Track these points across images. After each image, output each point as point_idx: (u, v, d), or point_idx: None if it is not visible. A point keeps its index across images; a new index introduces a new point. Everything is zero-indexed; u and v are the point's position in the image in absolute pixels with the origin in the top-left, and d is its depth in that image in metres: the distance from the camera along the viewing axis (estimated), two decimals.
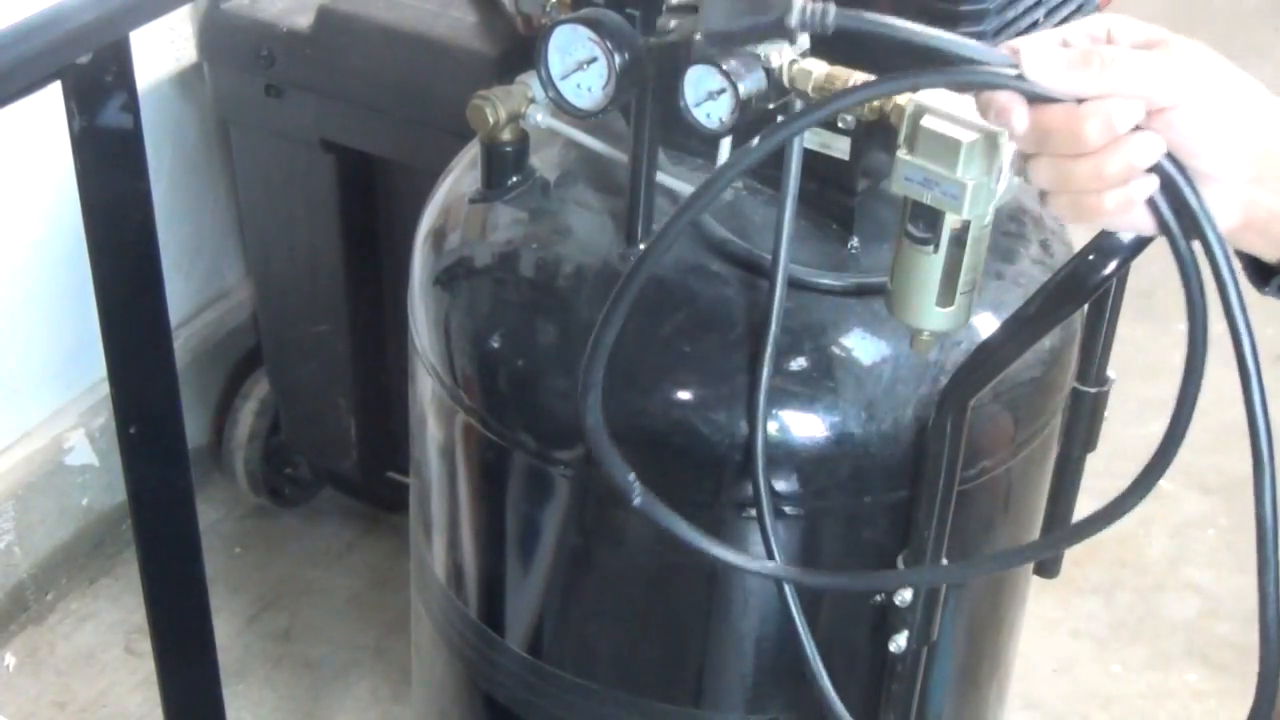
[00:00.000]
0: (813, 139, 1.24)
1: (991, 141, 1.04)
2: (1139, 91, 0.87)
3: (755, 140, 0.96)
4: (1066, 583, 2.51)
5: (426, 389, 1.43)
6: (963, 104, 1.08)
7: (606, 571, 1.39)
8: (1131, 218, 0.91)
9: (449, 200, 1.45)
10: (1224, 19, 4.07)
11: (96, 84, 1.33)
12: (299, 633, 2.42)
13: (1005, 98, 0.90)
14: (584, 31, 1.18)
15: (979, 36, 1.18)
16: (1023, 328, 1.16)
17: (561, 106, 1.23)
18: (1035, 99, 0.89)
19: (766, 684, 1.40)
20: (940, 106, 1.07)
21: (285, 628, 2.43)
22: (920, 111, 1.07)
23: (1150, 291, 3.18)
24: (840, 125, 1.23)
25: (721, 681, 1.42)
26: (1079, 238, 1.24)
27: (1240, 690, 2.34)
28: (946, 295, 1.11)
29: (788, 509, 1.28)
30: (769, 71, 1.15)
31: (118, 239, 1.41)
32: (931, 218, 1.08)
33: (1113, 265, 1.10)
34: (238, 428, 2.49)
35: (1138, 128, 0.88)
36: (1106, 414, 1.51)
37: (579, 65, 1.20)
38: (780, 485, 1.27)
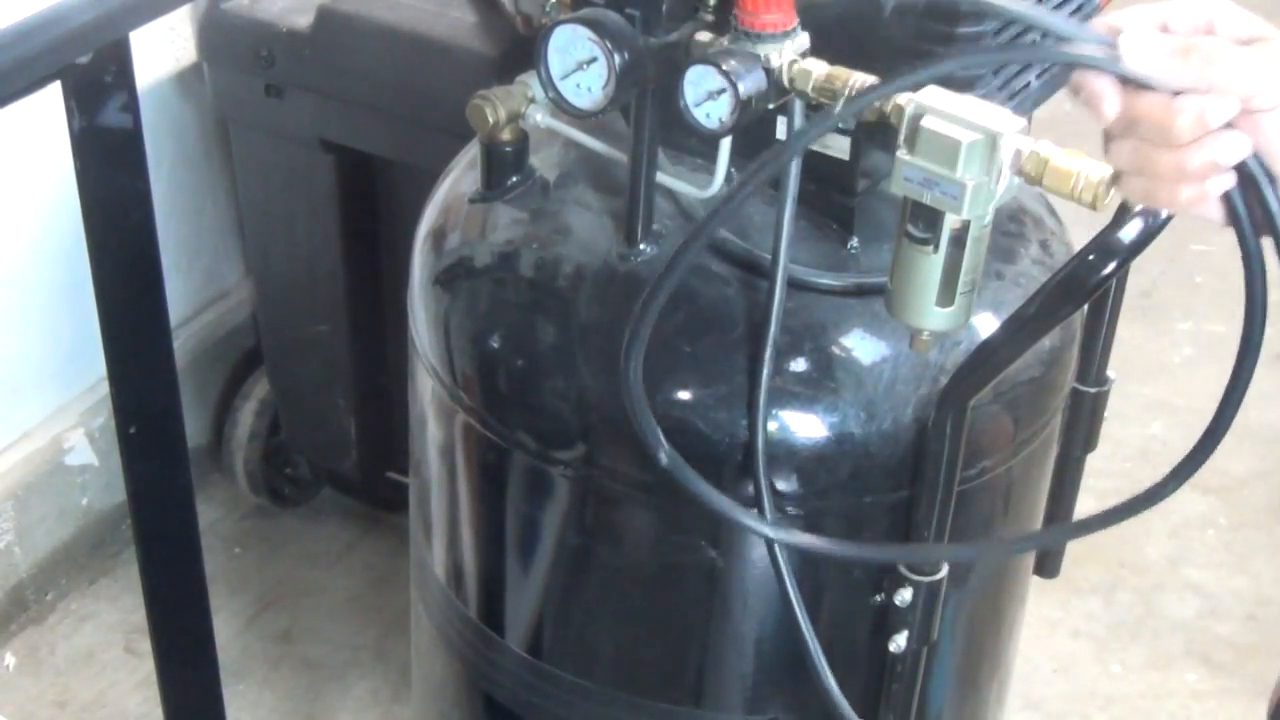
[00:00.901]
0: None
1: (991, 142, 1.04)
2: (1238, 91, 0.86)
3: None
4: (1066, 583, 2.51)
5: (426, 389, 1.43)
6: (963, 104, 1.08)
7: (606, 571, 1.39)
8: (1202, 206, 0.91)
9: (449, 200, 1.45)
10: None
11: (96, 84, 1.33)
12: (299, 633, 2.42)
13: (1099, 82, 0.88)
14: (584, 31, 1.18)
15: (979, 34, 1.18)
16: (1023, 328, 1.16)
17: (561, 106, 1.23)
18: (1129, 83, 0.88)
19: (766, 684, 1.40)
20: (940, 106, 1.07)
21: (285, 628, 2.43)
22: (920, 111, 1.07)
23: (1150, 291, 3.19)
24: (840, 125, 1.23)
25: (721, 681, 1.42)
26: (1079, 238, 1.25)
27: (1240, 690, 2.35)
28: (946, 295, 1.11)
29: (788, 509, 1.28)
30: (769, 71, 1.15)
31: (118, 239, 1.41)
32: (931, 218, 1.08)
33: (1113, 265, 1.10)
34: (238, 428, 2.49)
35: (1228, 124, 0.87)
36: (1106, 414, 1.51)
37: (579, 65, 1.20)
38: (780, 485, 1.27)
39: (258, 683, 2.34)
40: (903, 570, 1.29)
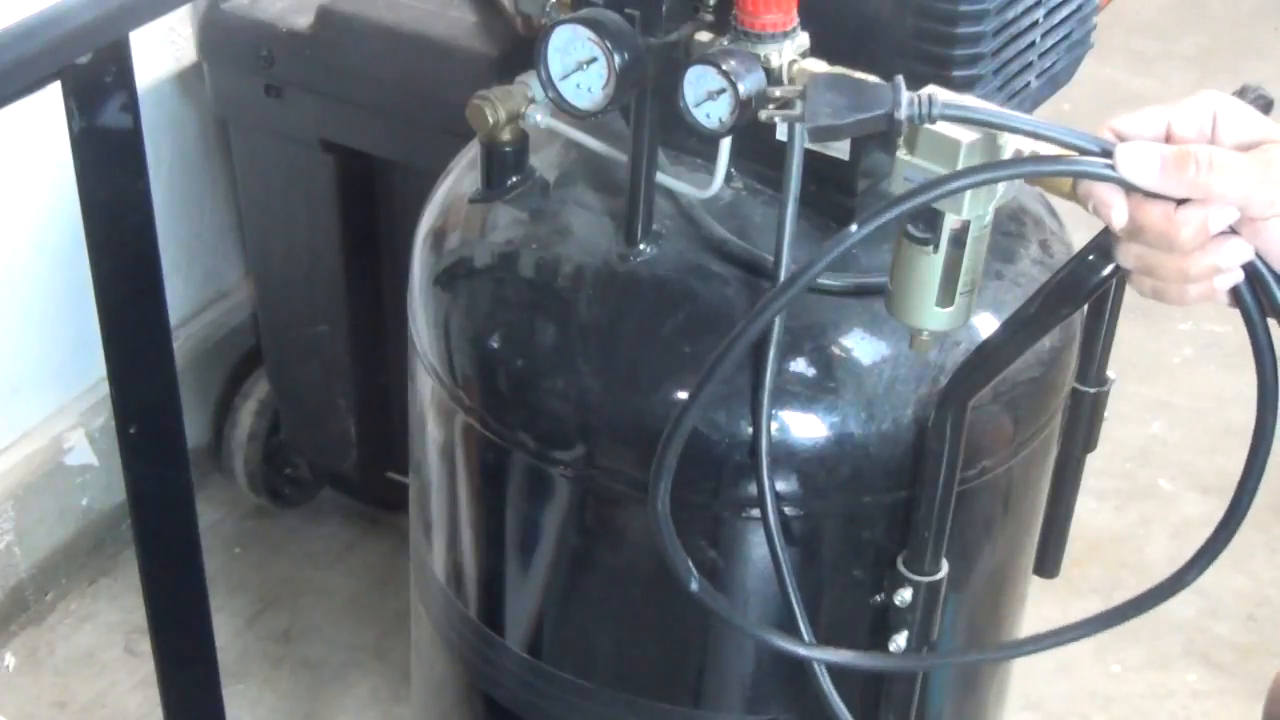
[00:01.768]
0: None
1: (991, 142, 1.04)
2: (1235, 201, 0.89)
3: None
4: (1066, 583, 2.50)
5: (426, 389, 1.43)
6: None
7: (606, 572, 1.39)
8: (1213, 298, 0.96)
9: (449, 200, 1.45)
10: (1224, 19, 4.08)
11: (96, 84, 1.33)
12: (299, 633, 2.42)
13: (1105, 192, 0.92)
14: (584, 31, 1.18)
15: (978, 36, 1.18)
16: (1023, 328, 1.16)
17: (561, 106, 1.23)
18: (1134, 190, 0.91)
19: (766, 684, 1.40)
20: None
21: (285, 628, 2.43)
22: None
23: None
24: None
25: (721, 681, 1.42)
26: (1079, 238, 1.25)
27: (1240, 690, 2.35)
28: (946, 295, 1.11)
29: (788, 509, 1.28)
30: (769, 71, 1.15)
31: (118, 239, 1.41)
32: (931, 218, 1.08)
33: (1113, 265, 1.10)
34: (238, 428, 2.49)
35: (1231, 229, 0.90)
36: (1106, 414, 1.51)
37: (579, 65, 1.20)
38: (780, 485, 1.27)
39: (258, 683, 2.34)
40: (903, 570, 1.29)
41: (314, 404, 2.39)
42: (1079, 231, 1.34)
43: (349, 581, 2.51)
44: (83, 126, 1.34)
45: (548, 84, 1.22)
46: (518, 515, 1.40)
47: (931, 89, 1.03)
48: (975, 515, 1.36)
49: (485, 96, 1.33)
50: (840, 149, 1.25)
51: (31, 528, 2.38)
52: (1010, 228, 1.39)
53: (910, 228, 1.09)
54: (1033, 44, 1.26)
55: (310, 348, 2.33)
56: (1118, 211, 0.92)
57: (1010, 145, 1.05)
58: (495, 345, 1.34)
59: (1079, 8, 1.31)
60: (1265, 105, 1.21)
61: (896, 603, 1.30)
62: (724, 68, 1.13)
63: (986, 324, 1.27)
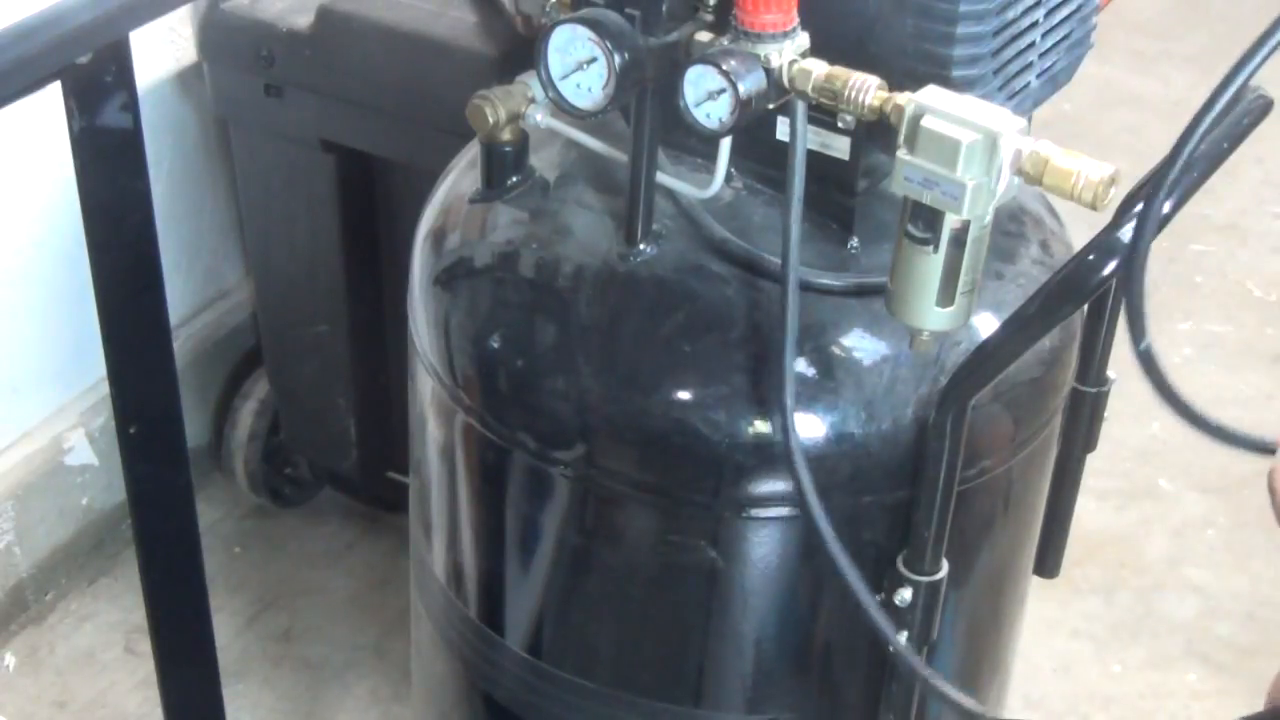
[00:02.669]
0: (813, 139, 1.24)
1: (991, 142, 1.04)
2: None
3: None
4: (1066, 583, 2.51)
5: (426, 389, 1.43)
6: (963, 104, 1.08)
7: (606, 571, 1.39)
8: None
9: (449, 200, 1.45)
10: (1224, 19, 4.08)
11: (96, 84, 1.33)
12: (299, 633, 2.42)
13: None
14: (584, 31, 1.18)
15: (978, 36, 1.18)
16: (1023, 328, 1.16)
17: (561, 106, 1.23)
18: None
19: (766, 684, 1.40)
20: (941, 106, 1.07)
21: (285, 628, 2.43)
22: (921, 111, 1.07)
23: (1150, 291, 3.19)
24: (840, 125, 1.23)
25: (721, 681, 1.42)
26: (1079, 238, 1.25)
27: (1240, 690, 2.35)
28: (946, 295, 1.11)
29: (788, 509, 1.28)
30: (769, 71, 1.15)
31: (118, 239, 1.41)
32: (931, 218, 1.08)
33: (1113, 265, 1.10)
34: (238, 428, 2.49)
35: None
36: (1106, 414, 1.51)
37: (579, 65, 1.20)
38: (780, 485, 1.27)
39: (258, 683, 2.34)
40: (903, 570, 1.29)
41: (314, 404, 2.39)
42: (1079, 231, 1.34)
43: (349, 581, 2.51)
44: (83, 126, 1.34)
45: (548, 84, 1.22)
46: (518, 515, 1.40)
47: (931, 89, 1.04)
48: (975, 515, 1.36)
49: (485, 96, 1.33)
50: (840, 149, 1.26)
51: (31, 527, 2.38)
52: (1010, 228, 1.39)
53: (911, 227, 1.09)
54: (1033, 44, 1.26)
55: (310, 348, 2.33)
56: None
57: (1010, 145, 1.05)
58: (495, 345, 1.34)
59: (1079, 8, 1.30)
60: (1265, 105, 1.21)
61: (896, 603, 1.30)
62: (724, 68, 1.13)
63: (986, 324, 1.27)
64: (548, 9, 1.27)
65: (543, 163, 1.40)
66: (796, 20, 1.16)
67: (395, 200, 2.17)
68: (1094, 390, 1.48)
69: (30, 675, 2.34)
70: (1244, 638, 2.47)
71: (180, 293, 2.46)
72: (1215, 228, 3.38)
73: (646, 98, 1.23)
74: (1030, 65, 1.26)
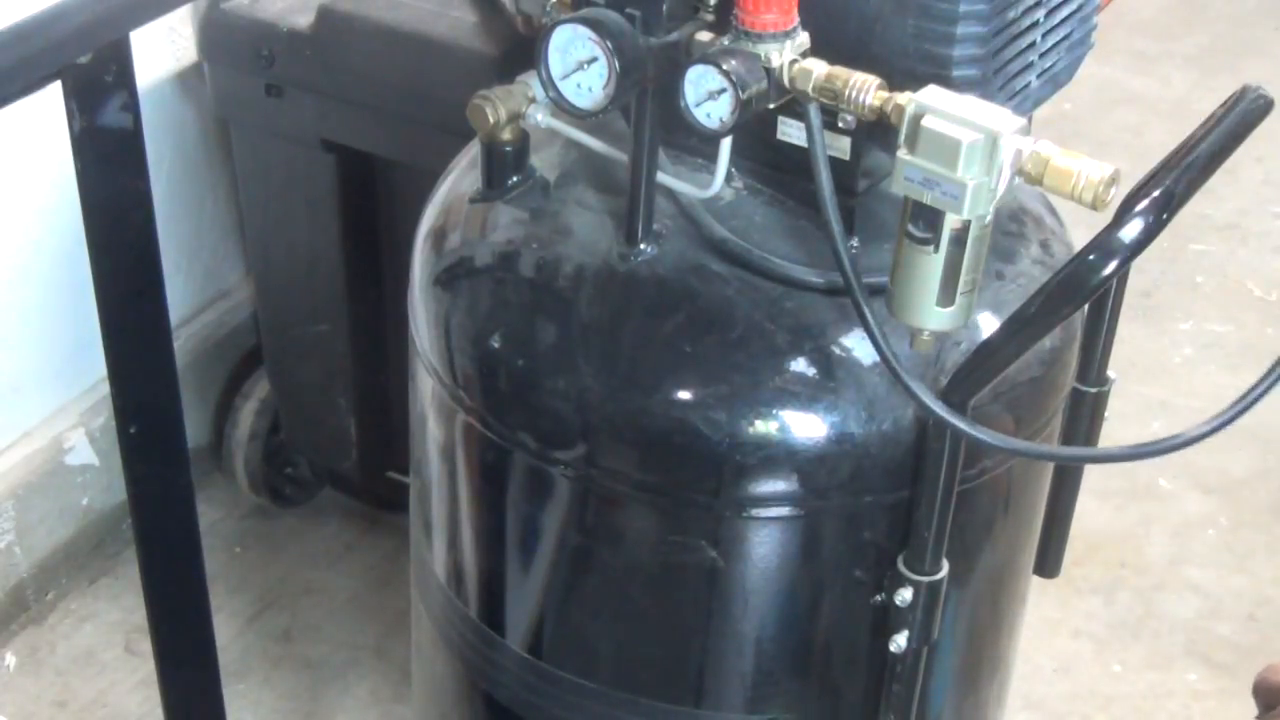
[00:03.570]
0: None
1: (992, 142, 1.04)
2: None
3: None
4: (1066, 583, 2.51)
5: (426, 389, 1.43)
6: (963, 104, 1.08)
7: (606, 571, 1.39)
8: None
9: (449, 200, 1.45)
10: (1224, 19, 4.08)
11: (96, 84, 1.33)
12: (299, 633, 2.42)
13: None
14: (584, 31, 1.18)
15: (978, 36, 1.18)
16: (1023, 328, 1.16)
17: (561, 106, 1.23)
18: None
19: (767, 684, 1.40)
20: (941, 106, 1.07)
21: (285, 628, 2.43)
22: (921, 111, 1.07)
23: (1150, 291, 3.19)
24: (840, 125, 1.23)
25: (722, 681, 1.41)
26: (1079, 238, 1.25)
27: (1240, 690, 2.34)
28: (947, 295, 1.11)
29: (788, 509, 1.28)
30: (769, 71, 1.15)
31: (118, 239, 1.41)
32: (932, 218, 1.08)
33: (1113, 265, 1.10)
34: (238, 428, 2.50)
35: None
36: (1106, 414, 1.51)
37: (579, 65, 1.20)
38: (780, 485, 1.27)
39: (258, 682, 2.34)
40: (903, 570, 1.29)
41: (314, 404, 2.39)
42: (1079, 231, 1.34)
43: (349, 581, 2.51)
44: (83, 126, 1.34)
45: (548, 84, 1.22)
46: (518, 515, 1.40)
47: (932, 89, 1.04)
48: (975, 515, 1.36)
49: (485, 96, 1.33)
50: (840, 149, 1.26)
51: (32, 527, 2.38)
52: (1010, 228, 1.39)
53: (911, 227, 1.09)
54: (1033, 44, 1.26)
55: (310, 348, 2.33)
56: None
57: (1010, 145, 1.05)
58: (496, 345, 1.34)
59: (1079, 8, 1.30)
60: (1265, 105, 1.21)
61: (897, 602, 1.30)
62: (724, 67, 1.13)
63: (987, 324, 1.27)
64: (548, 9, 1.27)
65: (543, 163, 1.40)
66: (797, 20, 1.16)
67: (395, 200, 2.17)
68: (1094, 390, 1.48)
69: (30, 675, 2.34)
70: (1244, 638, 2.47)
71: (180, 293, 2.46)
72: (1215, 228, 3.38)
73: (647, 98, 1.23)
74: (1030, 65, 1.26)
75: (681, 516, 1.30)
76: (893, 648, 1.32)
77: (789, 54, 1.15)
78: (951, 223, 1.08)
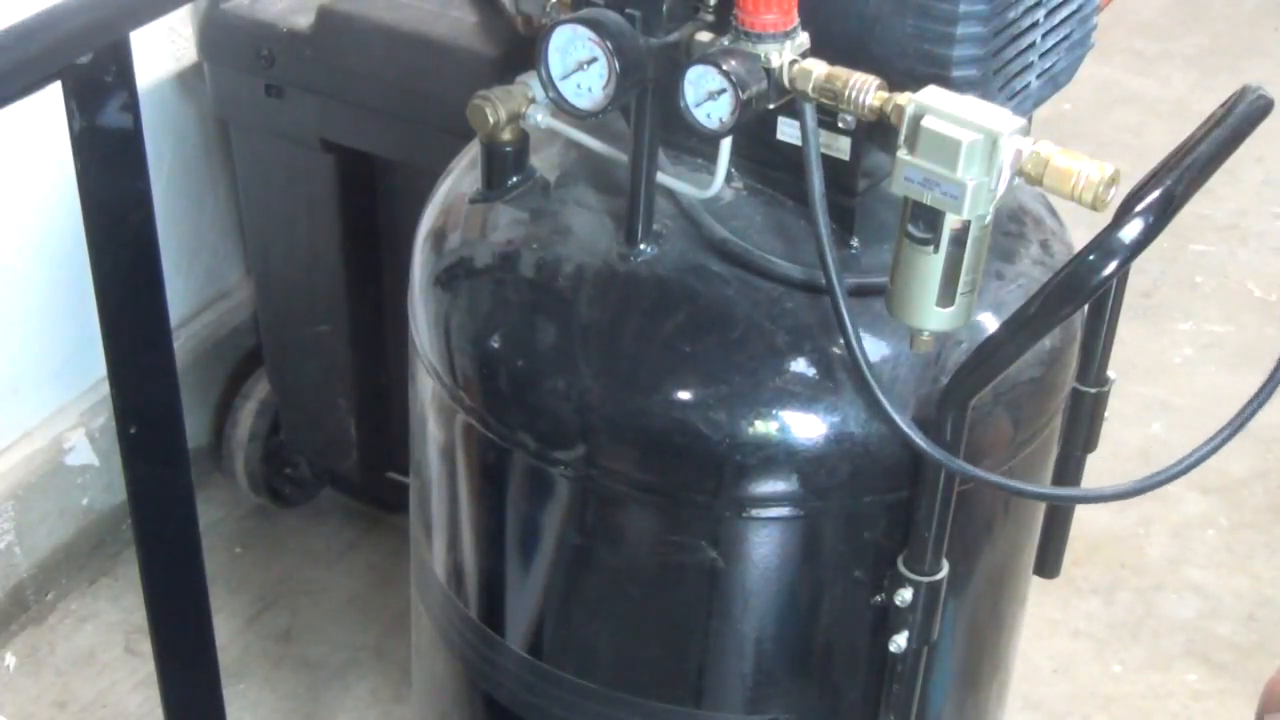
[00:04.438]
0: None
1: (992, 142, 1.04)
2: None
3: None
4: (1066, 583, 2.51)
5: (426, 389, 1.43)
6: (963, 104, 1.08)
7: (606, 571, 1.39)
8: None
9: (449, 200, 1.45)
10: (1224, 19, 4.08)
11: (96, 84, 1.33)
12: (299, 633, 2.42)
13: None
14: (584, 31, 1.18)
15: (978, 36, 1.18)
16: (1023, 328, 1.16)
17: (561, 106, 1.23)
18: None
19: (766, 684, 1.40)
20: (941, 106, 1.07)
21: (285, 628, 2.43)
22: (921, 112, 1.07)
23: (1150, 291, 3.19)
24: (840, 125, 1.23)
25: (721, 681, 1.42)
26: (1079, 238, 1.25)
27: (1240, 690, 2.35)
28: (947, 295, 1.11)
29: (788, 509, 1.28)
30: (769, 71, 1.15)
31: (118, 239, 1.41)
32: (932, 218, 1.08)
33: (1113, 265, 1.10)
34: (238, 428, 2.50)
35: None
36: (1106, 414, 1.51)
37: (579, 65, 1.20)
38: (780, 485, 1.27)
39: (258, 682, 2.34)
40: (903, 570, 1.29)
41: (314, 404, 2.39)
42: (1079, 231, 1.34)
43: (349, 581, 2.51)
44: (83, 126, 1.34)
45: (548, 84, 1.22)
46: (518, 515, 1.40)
47: (931, 89, 1.04)
48: (975, 515, 1.36)
49: (485, 96, 1.33)
50: (840, 149, 1.26)
51: (32, 527, 2.38)
52: (1010, 228, 1.39)
53: (911, 228, 1.09)
54: (1033, 44, 1.26)
55: (310, 348, 2.33)
56: None
57: (1010, 145, 1.05)
58: (496, 345, 1.34)
59: (1079, 8, 1.30)
60: (1265, 105, 1.21)
61: (897, 603, 1.30)
62: (724, 68, 1.13)
63: (987, 324, 1.27)
64: (548, 9, 1.27)
65: (543, 163, 1.40)
66: (797, 20, 1.16)
67: (395, 200, 2.17)
68: (1094, 390, 1.48)
69: (30, 675, 2.34)
70: (1244, 638, 2.47)
71: (180, 293, 2.46)
72: (1215, 228, 3.38)
73: (646, 98, 1.23)
74: (1030, 65, 1.26)
75: (681, 517, 1.30)
76: (892, 648, 1.32)
77: (789, 54, 1.15)
78: (951, 223, 1.08)
